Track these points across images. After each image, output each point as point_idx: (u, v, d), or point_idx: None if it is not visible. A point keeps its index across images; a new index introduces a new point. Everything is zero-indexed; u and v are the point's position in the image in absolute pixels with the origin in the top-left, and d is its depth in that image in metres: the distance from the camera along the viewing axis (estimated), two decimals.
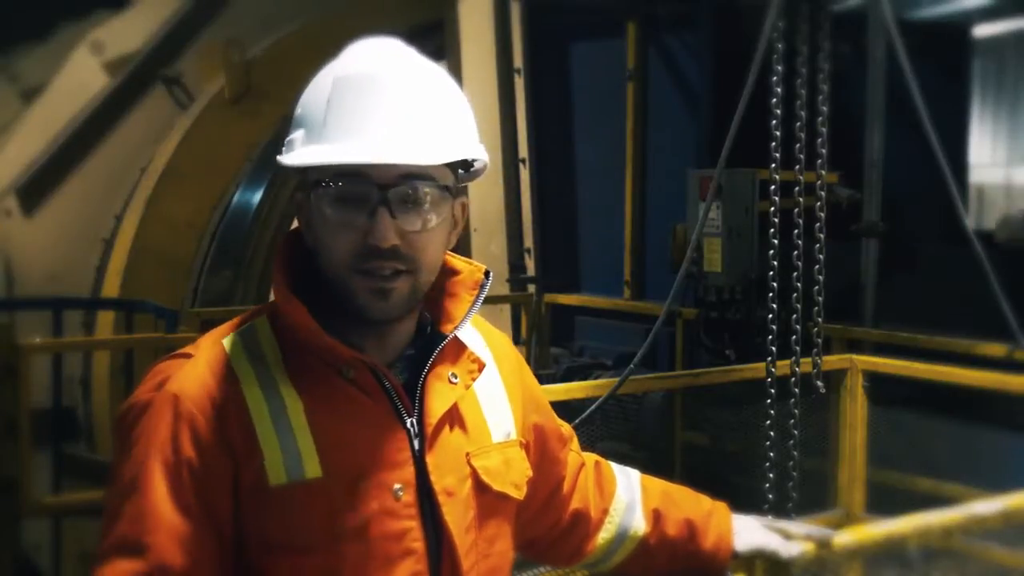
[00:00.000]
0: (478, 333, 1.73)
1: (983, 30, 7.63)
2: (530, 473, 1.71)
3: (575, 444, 1.91)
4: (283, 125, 6.71)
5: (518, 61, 6.82)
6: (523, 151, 6.86)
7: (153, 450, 1.47)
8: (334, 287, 1.53)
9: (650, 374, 4.42)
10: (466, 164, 1.61)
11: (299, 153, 1.51)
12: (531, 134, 6.85)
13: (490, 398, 1.68)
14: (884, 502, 4.01)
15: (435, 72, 1.56)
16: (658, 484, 1.96)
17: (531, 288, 6.77)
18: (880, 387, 4.19)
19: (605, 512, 1.89)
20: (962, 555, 2.70)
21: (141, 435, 1.49)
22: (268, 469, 1.47)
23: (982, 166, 12.37)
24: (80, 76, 7.52)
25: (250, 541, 1.49)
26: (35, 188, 7.18)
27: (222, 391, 1.49)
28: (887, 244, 5.48)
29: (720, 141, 4.45)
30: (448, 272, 1.64)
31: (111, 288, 6.62)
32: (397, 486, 1.51)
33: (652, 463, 4.46)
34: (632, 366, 3.81)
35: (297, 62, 6.78)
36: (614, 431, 4.68)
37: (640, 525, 1.90)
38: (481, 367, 1.64)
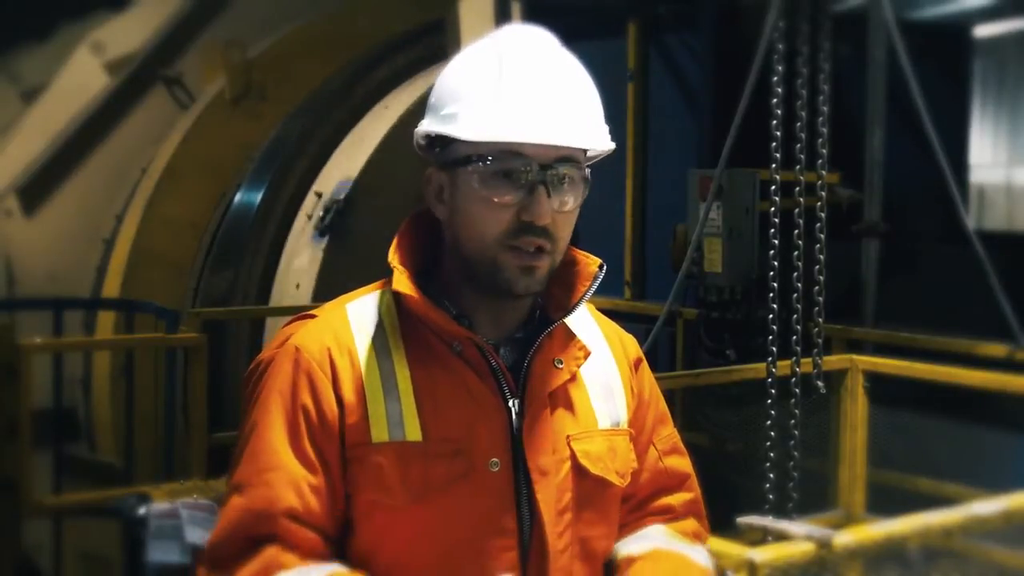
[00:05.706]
0: (596, 324, 1.76)
1: (983, 30, 7.63)
2: (636, 464, 1.72)
3: (684, 497, 1.85)
4: (284, 125, 6.71)
5: None
6: None
7: (273, 397, 1.58)
8: (474, 261, 1.58)
9: None
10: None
11: (474, 128, 1.54)
12: None
13: (601, 386, 1.70)
14: (884, 502, 4.01)
15: (578, 63, 1.64)
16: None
17: None
18: (880, 387, 4.19)
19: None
20: (962, 555, 2.69)
21: (264, 386, 1.60)
22: (372, 427, 1.55)
23: (982, 166, 12.36)
24: (80, 76, 7.49)
25: (350, 495, 1.57)
26: (35, 188, 7.16)
27: (338, 349, 1.59)
28: (887, 244, 5.48)
29: (721, 141, 4.46)
30: (566, 261, 1.67)
31: (111, 288, 6.60)
32: (493, 460, 1.57)
33: None
34: None
35: (297, 62, 6.78)
36: None
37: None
38: (587, 355, 1.66)
